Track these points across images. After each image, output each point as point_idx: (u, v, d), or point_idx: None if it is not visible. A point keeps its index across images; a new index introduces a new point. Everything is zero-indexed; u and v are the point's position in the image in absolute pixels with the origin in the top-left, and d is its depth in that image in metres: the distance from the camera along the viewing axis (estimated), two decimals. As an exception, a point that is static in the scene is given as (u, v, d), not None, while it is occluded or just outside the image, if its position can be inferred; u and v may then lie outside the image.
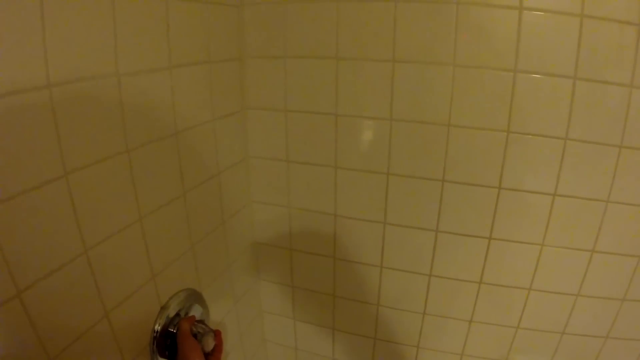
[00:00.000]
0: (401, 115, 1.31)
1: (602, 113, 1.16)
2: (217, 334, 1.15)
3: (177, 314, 1.14)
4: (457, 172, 1.32)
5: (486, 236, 1.36)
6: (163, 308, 1.11)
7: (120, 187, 0.94)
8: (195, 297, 1.24)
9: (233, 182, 1.44)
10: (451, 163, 1.31)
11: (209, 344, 1.11)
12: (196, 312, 1.22)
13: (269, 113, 1.45)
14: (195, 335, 1.10)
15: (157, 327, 1.08)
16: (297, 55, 1.35)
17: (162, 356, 1.11)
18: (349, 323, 1.69)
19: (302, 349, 1.85)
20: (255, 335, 1.82)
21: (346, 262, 1.57)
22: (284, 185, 1.54)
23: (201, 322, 1.16)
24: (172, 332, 1.11)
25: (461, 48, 1.19)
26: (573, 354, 1.47)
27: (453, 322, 1.53)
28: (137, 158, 0.97)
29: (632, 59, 1.10)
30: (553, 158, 1.23)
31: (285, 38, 1.35)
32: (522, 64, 1.17)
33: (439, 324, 1.55)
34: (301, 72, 1.37)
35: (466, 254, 1.40)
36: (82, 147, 0.82)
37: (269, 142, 1.49)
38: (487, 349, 1.54)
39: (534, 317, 1.43)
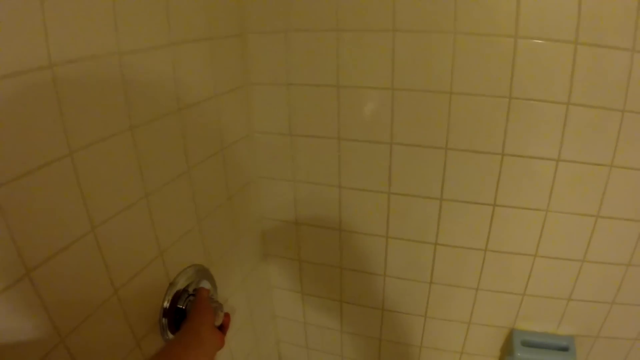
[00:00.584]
0: (403, 85, 1.30)
1: (604, 78, 1.15)
2: (225, 314, 1.17)
3: (186, 290, 1.16)
4: (460, 139, 1.32)
5: (490, 203, 1.36)
6: (171, 284, 1.12)
7: (125, 165, 0.94)
8: (203, 273, 1.25)
9: (238, 157, 1.45)
10: (454, 131, 1.31)
11: (219, 317, 1.13)
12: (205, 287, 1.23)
13: (272, 88, 1.45)
14: None
15: (166, 304, 1.10)
16: (298, 28, 1.34)
17: (172, 332, 1.12)
18: (357, 295, 1.71)
19: (311, 323, 1.87)
20: (265, 311, 1.84)
21: (352, 233, 1.58)
22: (288, 159, 1.54)
23: (211, 297, 1.17)
24: (182, 308, 1.12)
25: (461, 15, 1.18)
26: (579, 320, 1.48)
27: (460, 290, 1.54)
28: (141, 135, 0.97)
29: (633, 23, 1.09)
30: (556, 123, 1.22)
31: (286, 12, 1.34)
32: (522, 30, 1.16)
33: (445, 293, 1.56)
34: (302, 46, 1.36)
35: (471, 221, 1.41)
36: (87, 126, 0.82)
37: (273, 116, 1.49)
38: (494, 317, 1.55)
39: (540, 284, 1.44)
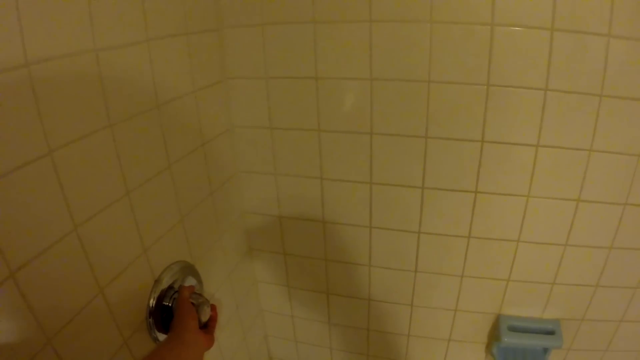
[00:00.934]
0: (381, 74, 1.30)
1: (581, 63, 1.17)
2: (212, 307, 1.16)
3: (171, 287, 1.15)
4: (440, 128, 1.32)
5: (472, 190, 1.37)
6: (157, 281, 1.12)
7: (105, 163, 0.93)
8: (188, 269, 1.25)
9: (219, 152, 1.44)
10: (433, 119, 1.32)
11: (206, 313, 1.12)
12: (190, 284, 1.23)
13: (250, 81, 1.44)
14: (192, 305, 1.10)
15: (152, 302, 1.09)
16: (274, 21, 1.34)
17: (159, 331, 1.12)
18: (343, 286, 1.72)
19: (299, 316, 1.87)
20: (252, 306, 1.84)
21: (335, 224, 1.59)
22: (269, 153, 1.53)
23: (197, 293, 1.17)
24: (168, 305, 1.12)
25: (438, 4, 1.19)
26: (564, 304, 1.50)
27: (445, 278, 1.55)
28: (120, 132, 0.96)
29: (609, 9, 1.10)
30: (534, 109, 1.24)
31: (262, 5, 1.33)
32: (499, 18, 1.16)
33: (431, 281, 1.57)
34: (279, 39, 1.35)
35: (453, 209, 1.42)
36: (65, 124, 0.82)
37: (253, 110, 1.48)
38: (480, 303, 1.57)
39: (524, 269, 1.46)
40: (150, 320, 1.09)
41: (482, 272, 1.50)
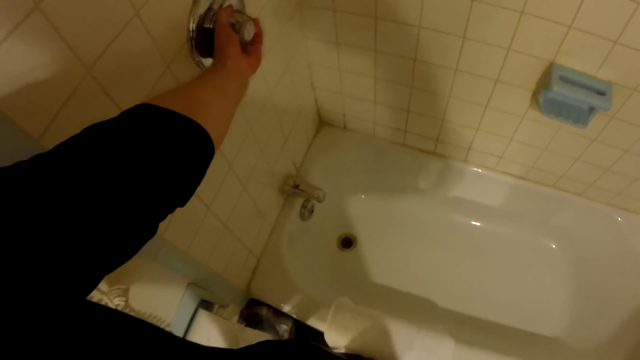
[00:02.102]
0: None
1: None
2: (255, 22, 1.11)
3: (211, 8, 1.09)
4: None
5: None
6: (195, 2, 1.06)
7: None
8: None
9: None
10: None
11: (249, 31, 1.07)
12: (231, 3, 1.17)
13: None
14: (233, 26, 1.05)
15: (192, 25, 1.05)
16: None
17: (201, 55, 1.10)
18: (392, 12, 1.61)
19: (344, 42, 1.81)
20: (301, 60, 1.83)
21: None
22: None
23: (238, 11, 1.11)
24: (209, 27, 1.08)
25: None
26: (621, 67, 1.41)
27: (504, 12, 1.42)
28: None
29: None
30: None
31: None
32: None
33: (488, 13, 1.45)
34: None
35: None
36: None
37: None
38: (536, 46, 1.48)
39: (589, 19, 1.32)
40: (193, 43, 1.07)
41: (544, 12, 1.37)
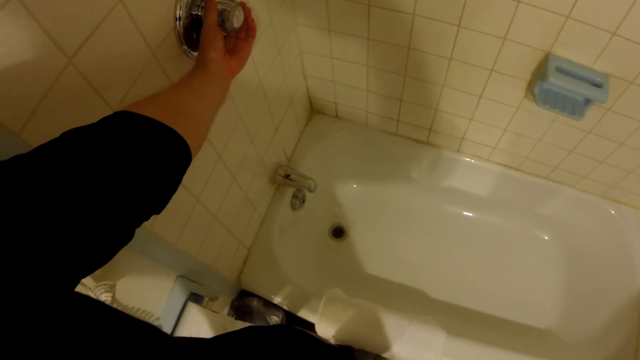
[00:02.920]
0: None
1: None
2: (246, 14, 1.07)
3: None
4: None
5: None
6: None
7: None
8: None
9: None
10: None
11: (239, 18, 1.03)
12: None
13: None
14: (221, 13, 1.02)
15: (179, 12, 1.00)
16: None
17: (187, 44, 1.06)
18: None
19: (336, 30, 1.78)
20: (292, 48, 1.79)
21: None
22: None
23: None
24: (197, 15, 1.04)
25: None
26: (619, 60, 1.39)
27: (500, 0, 1.39)
28: None
29: None
30: None
31: None
32: None
33: (484, 1, 1.41)
34: None
35: None
36: None
37: None
38: (532, 36, 1.45)
39: (587, 9, 1.30)
40: (180, 31, 1.03)
41: (542, 2, 1.34)
